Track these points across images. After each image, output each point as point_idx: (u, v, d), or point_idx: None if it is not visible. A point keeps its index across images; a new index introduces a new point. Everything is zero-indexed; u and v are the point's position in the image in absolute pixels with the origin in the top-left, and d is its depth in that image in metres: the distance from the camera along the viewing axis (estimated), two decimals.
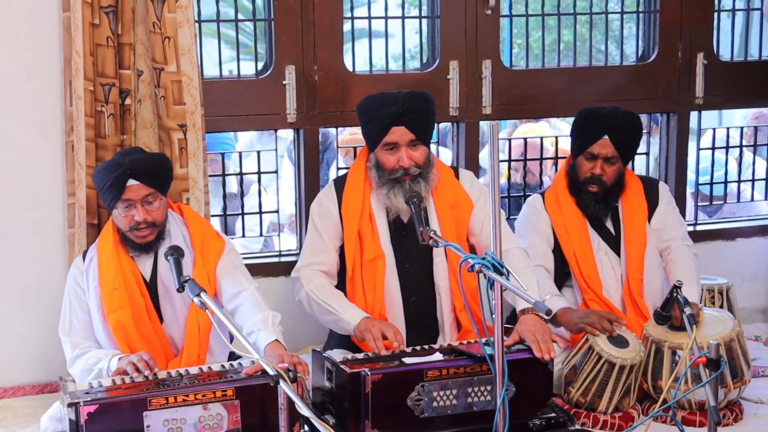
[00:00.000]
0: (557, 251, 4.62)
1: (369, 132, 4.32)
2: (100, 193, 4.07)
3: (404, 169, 4.23)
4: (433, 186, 4.31)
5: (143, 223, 3.97)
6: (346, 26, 5.07)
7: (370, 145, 4.34)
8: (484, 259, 3.28)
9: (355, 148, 5.53)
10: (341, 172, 5.23)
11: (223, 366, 3.85)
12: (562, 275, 4.60)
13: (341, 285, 4.37)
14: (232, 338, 3.65)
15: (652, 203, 4.69)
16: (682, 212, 5.40)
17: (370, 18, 5.14)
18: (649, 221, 4.66)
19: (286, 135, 6.27)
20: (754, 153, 6.34)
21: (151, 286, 4.08)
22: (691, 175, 5.83)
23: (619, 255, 4.61)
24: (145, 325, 4.03)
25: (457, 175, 4.46)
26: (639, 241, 4.59)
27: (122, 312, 3.98)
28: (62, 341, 4.09)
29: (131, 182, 3.95)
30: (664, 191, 4.76)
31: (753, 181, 6.11)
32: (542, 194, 4.75)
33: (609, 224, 4.65)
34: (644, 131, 5.86)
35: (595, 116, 4.60)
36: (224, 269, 4.13)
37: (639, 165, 5.73)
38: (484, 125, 5.46)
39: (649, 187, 4.73)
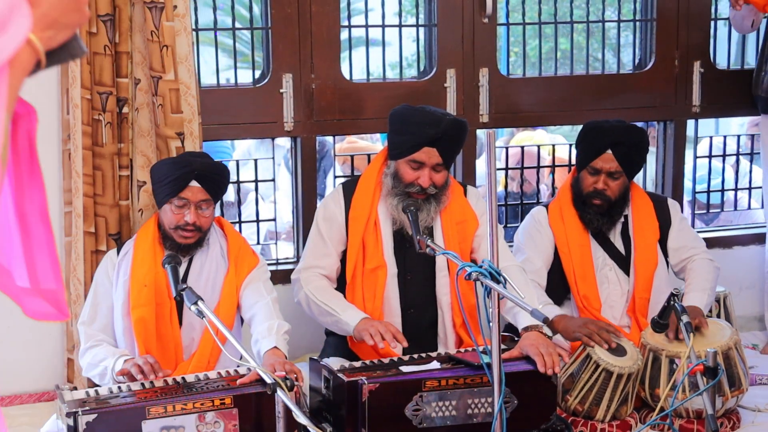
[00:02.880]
0: (558, 267, 4.61)
1: (398, 143, 4.26)
2: (157, 186, 4.11)
3: (421, 188, 4.22)
4: (443, 207, 4.30)
5: (191, 226, 4.02)
6: (344, 35, 5.07)
7: (393, 153, 4.29)
8: (480, 267, 3.28)
9: (352, 157, 5.54)
10: (338, 181, 5.24)
11: (219, 374, 3.85)
12: (562, 290, 4.58)
13: (340, 291, 4.36)
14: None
15: (664, 222, 4.67)
16: None
17: (367, 26, 5.14)
18: (663, 241, 4.66)
19: (284, 143, 6.27)
20: (751, 161, 6.35)
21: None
22: (687, 184, 5.84)
23: (626, 272, 4.59)
24: (165, 326, 4.06)
25: (465, 192, 4.46)
26: (649, 261, 4.58)
27: (147, 309, 4.02)
28: (79, 330, 4.14)
29: (194, 183, 4.01)
30: (676, 210, 4.75)
31: (750, 189, 6.12)
32: (546, 206, 4.72)
33: (618, 241, 4.63)
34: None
35: (598, 130, 4.58)
36: (249, 281, 4.18)
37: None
38: (480, 133, 5.46)
39: (659, 205, 4.70)
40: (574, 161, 4.81)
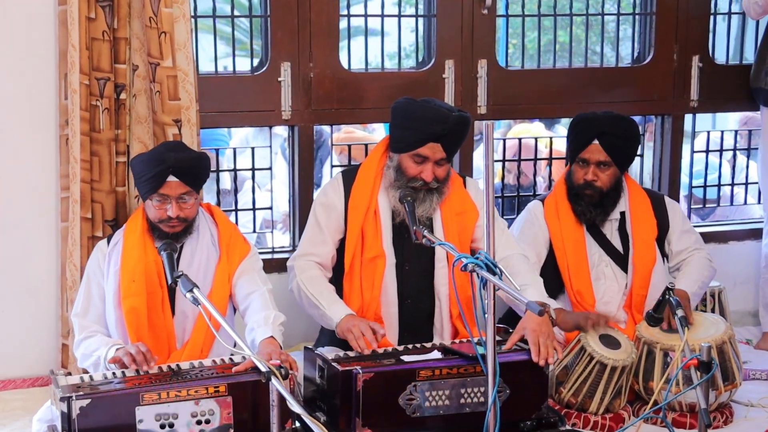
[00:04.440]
0: (552, 262, 4.62)
1: (403, 137, 4.25)
2: (137, 182, 4.11)
3: (424, 182, 4.22)
4: (443, 199, 4.30)
5: (175, 219, 4.01)
6: (342, 24, 5.06)
7: (396, 146, 4.28)
8: (477, 258, 3.28)
9: (349, 146, 5.53)
10: (335, 170, 5.23)
11: (214, 361, 3.85)
12: (556, 285, 4.58)
13: (337, 279, 4.37)
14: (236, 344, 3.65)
15: (662, 221, 4.66)
16: None
17: (366, 16, 5.14)
18: (661, 239, 4.65)
19: (282, 132, 6.27)
20: (748, 156, 6.36)
21: None
22: (684, 178, 5.84)
23: (623, 268, 4.59)
24: (157, 315, 4.05)
25: (465, 184, 4.46)
26: (648, 259, 4.58)
27: (138, 299, 4.00)
28: (72, 322, 4.14)
29: (171, 178, 3.98)
30: (675, 210, 4.74)
31: (746, 184, 6.13)
32: (542, 200, 4.72)
33: (615, 238, 4.62)
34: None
35: (585, 122, 4.59)
36: (243, 271, 4.16)
37: (633, 168, 5.74)
38: (478, 125, 5.45)
39: (656, 202, 4.70)
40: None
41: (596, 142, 4.51)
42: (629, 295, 4.56)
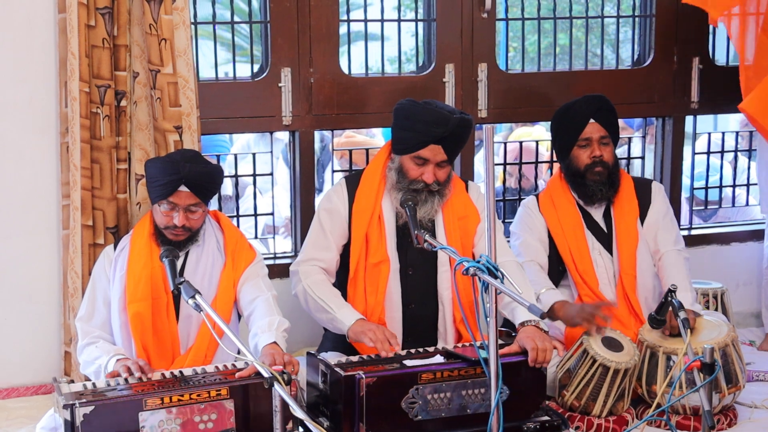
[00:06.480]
0: (552, 250, 4.64)
1: (404, 139, 4.26)
2: (149, 183, 4.14)
3: (425, 184, 4.22)
4: (445, 201, 4.31)
5: (180, 228, 4.03)
6: (342, 29, 5.07)
7: (397, 148, 4.29)
8: (478, 262, 3.28)
9: (350, 151, 5.53)
10: (336, 175, 5.23)
11: (217, 367, 3.85)
12: (557, 274, 4.62)
13: (341, 284, 4.37)
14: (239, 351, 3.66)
15: (644, 202, 4.70)
16: (677, 216, 5.39)
17: (366, 21, 5.14)
18: (642, 220, 4.67)
19: (283, 137, 6.27)
20: (749, 158, 6.35)
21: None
22: (686, 180, 5.84)
23: (610, 252, 4.62)
24: (161, 320, 4.07)
25: (467, 188, 4.46)
26: (631, 239, 4.61)
27: (143, 304, 4.03)
28: (76, 326, 4.16)
29: (182, 188, 4.01)
30: (658, 191, 4.77)
31: (748, 185, 6.12)
32: (536, 196, 4.76)
33: (602, 224, 4.66)
34: (640, 135, 5.89)
35: (574, 107, 4.66)
36: (247, 276, 4.18)
37: (635, 169, 5.73)
38: (478, 131, 5.45)
39: (641, 186, 4.74)
40: (556, 153, 4.82)
41: (593, 120, 4.58)
42: (619, 278, 4.57)
